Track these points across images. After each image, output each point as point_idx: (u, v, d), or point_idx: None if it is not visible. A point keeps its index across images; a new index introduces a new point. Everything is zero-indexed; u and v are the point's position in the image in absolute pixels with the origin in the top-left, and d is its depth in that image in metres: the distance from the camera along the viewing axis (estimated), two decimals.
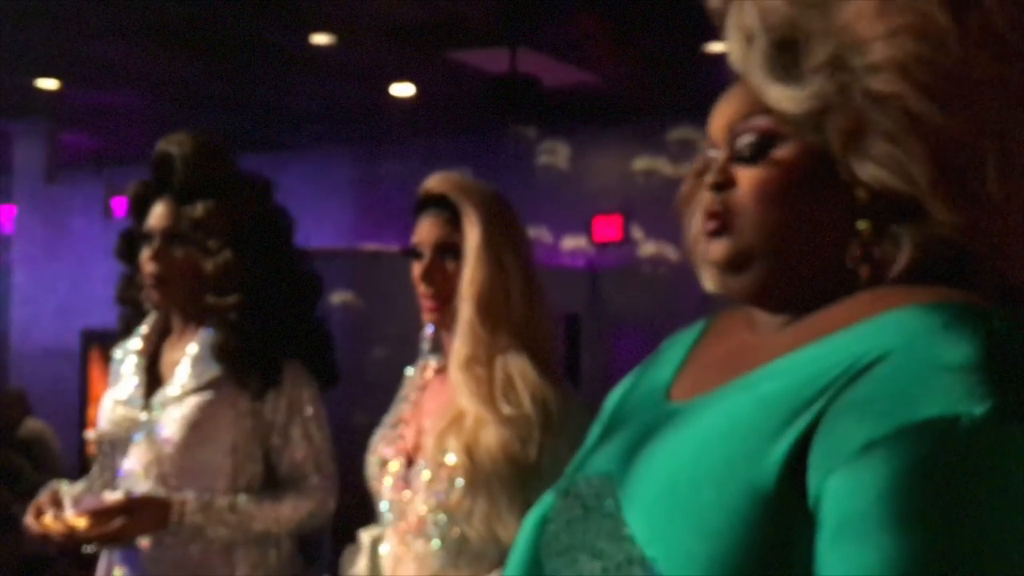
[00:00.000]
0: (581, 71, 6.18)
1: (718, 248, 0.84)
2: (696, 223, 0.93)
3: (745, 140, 0.82)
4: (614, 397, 1.00)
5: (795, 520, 0.68)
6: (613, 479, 0.81)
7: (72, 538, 1.76)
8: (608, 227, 7.29)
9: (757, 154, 0.81)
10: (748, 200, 0.82)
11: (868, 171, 0.75)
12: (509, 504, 1.50)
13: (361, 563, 1.63)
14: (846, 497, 0.65)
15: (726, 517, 0.70)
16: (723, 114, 0.86)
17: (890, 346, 0.70)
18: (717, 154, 0.86)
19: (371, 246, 5.74)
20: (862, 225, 0.77)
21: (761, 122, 0.81)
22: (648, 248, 7.13)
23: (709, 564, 0.70)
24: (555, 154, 7.64)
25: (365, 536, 1.63)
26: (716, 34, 0.86)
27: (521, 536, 1.01)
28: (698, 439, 0.77)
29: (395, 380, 1.86)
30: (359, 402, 4.24)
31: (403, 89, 6.77)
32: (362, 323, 5.06)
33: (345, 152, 8.48)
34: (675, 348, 0.96)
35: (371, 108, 7.27)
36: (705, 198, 0.86)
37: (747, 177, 0.82)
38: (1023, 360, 0.68)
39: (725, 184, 0.83)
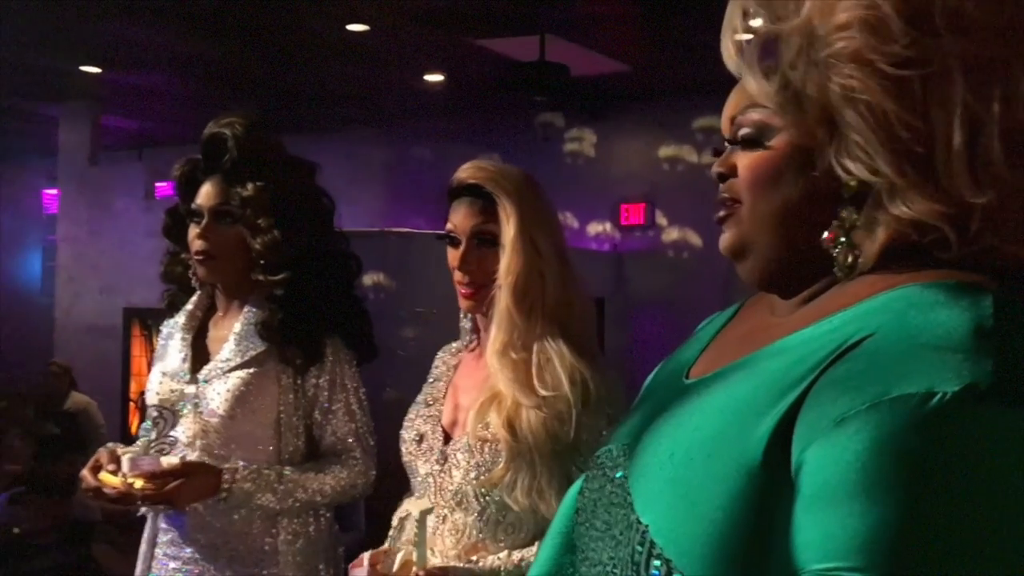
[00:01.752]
0: (608, 59, 6.21)
1: (724, 237, 0.86)
2: None
3: (743, 131, 0.84)
4: (649, 377, 1.03)
5: (780, 493, 0.69)
6: (626, 451, 0.86)
7: (128, 496, 1.79)
8: (633, 212, 7.34)
9: (752, 143, 0.83)
10: (743, 186, 0.83)
11: (843, 162, 0.76)
12: (549, 479, 1.52)
13: (408, 534, 1.63)
14: (820, 467, 0.66)
15: (714, 488, 0.72)
16: (727, 108, 0.87)
17: (880, 324, 0.71)
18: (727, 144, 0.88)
19: (401, 228, 5.84)
20: (845, 213, 0.78)
21: (755, 115, 0.82)
22: (672, 233, 7.17)
23: (695, 531, 0.72)
24: (582, 141, 7.68)
25: (413, 508, 1.63)
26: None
27: (563, 503, 1.07)
28: (697, 413, 0.79)
29: (424, 357, 1.87)
30: (389, 379, 4.36)
31: (434, 75, 6.86)
32: (392, 303, 5.16)
33: (377, 135, 8.58)
34: (707, 329, 0.98)
35: (402, 93, 7.36)
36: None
37: (742, 163, 0.84)
38: (1013, 340, 0.67)
39: (728, 173, 0.85)
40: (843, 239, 0.78)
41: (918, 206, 0.73)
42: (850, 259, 0.78)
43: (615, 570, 0.80)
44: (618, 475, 0.85)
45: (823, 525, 0.65)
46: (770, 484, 0.70)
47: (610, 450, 0.90)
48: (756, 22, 0.81)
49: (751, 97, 0.83)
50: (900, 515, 0.62)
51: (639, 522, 0.77)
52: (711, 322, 1.00)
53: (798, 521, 0.67)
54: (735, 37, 0.82)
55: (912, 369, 0.65)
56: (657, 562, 0.74)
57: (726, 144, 0.89)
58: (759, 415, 0.72)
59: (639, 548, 0.76)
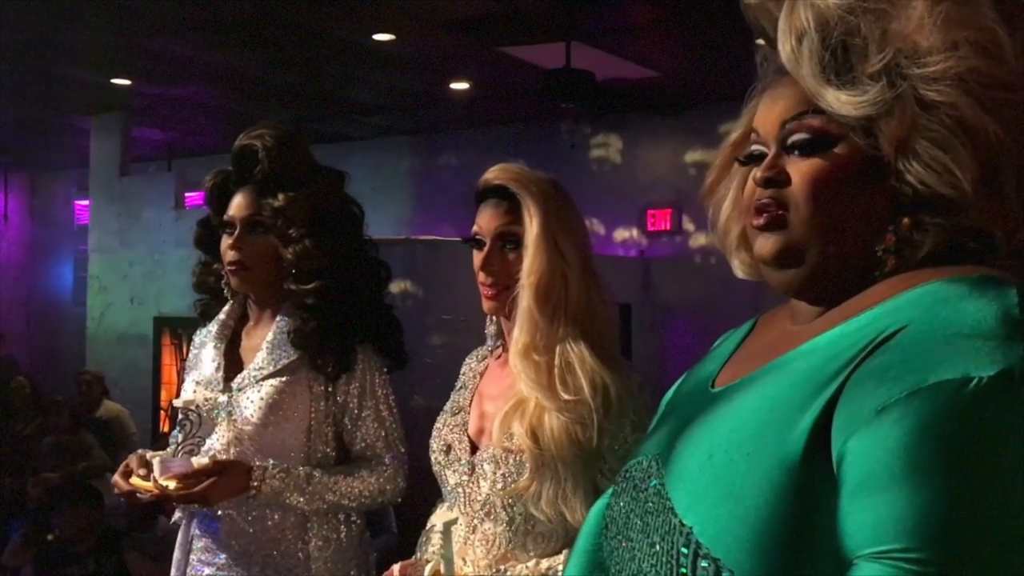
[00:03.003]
0: (634, 65, 6.21)
1: (768, 243, 0.85)
2: (726, 210, 0.97)
3: (798, 137, 0.83)
4: (667, 394, 1.04)
5: (821, 486, 0.71)
6: (659, 461, 0.87)
7: (161, 497, 1.83)
8: (660, 218, 7.33)
9: (811, 149, 0.83)
10: (802, 194, 0.83)
11: (914, 173, 0.78)
12: (574, 486, 1.52)
13: (434, 545, 1.64)
14: (863, 456, 0.68)
15: (756, 484, 0.74)
16: (773, 110, 0.86)
17: (910, 318, 0.73)
18: (763, 149, 0.87)
19: (428, 236, 5.86)
20: (905, 221, 0.80)
21: (814, 121, 0.82)
22: (699, 239, 7.14)
23: (740, 528, 0.74)
24: (608, 147, 7.69)
25: (438, 520, 1.65)
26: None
27: (587, 522, 1.08)
28: (732, 416, 0.81)
29: (452, 365, 1.87)
30: (417, 386, 4.38)
31: (460, 83, 6.88)
32: (420, 310, 5.18)
33: (404, 143, 8.62)
34: (725, 344, 1.00)
35: (429, 101, 7.39)
36: (752, 192, 0.87)
37: (801, 170, 0.83)
38: None
39: (777, 179, 0.84)
40: (889, 244, 0.80)
41: (984, 216, 0.77)
42: (894, 263, 0.80)
43: None
44: (652, 484, 0.86)
45: (871, 511, 0.67)
46: (812, 477, 0.72)
47: (639, 462, 0.91)
48: (826, 26, 0.80)
49: (805, 101, 0.83)
50: (946, 497, 0.65)
51: (682, 525, 0.78)
52: (728, 338, 1.02)
53: (844, 510, 0.69)
54: (797, 37, 0.81)
55: (947, 357, 0.68)
56: (704, 562, 0.75)
57: (756, 147, 0.88)
58: (796, 412, 0.74)
59: (684, 551, 0.77)
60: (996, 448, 0.65)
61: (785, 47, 0.82)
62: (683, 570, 0.77)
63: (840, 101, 0.79)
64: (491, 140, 7.95)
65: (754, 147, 0.88)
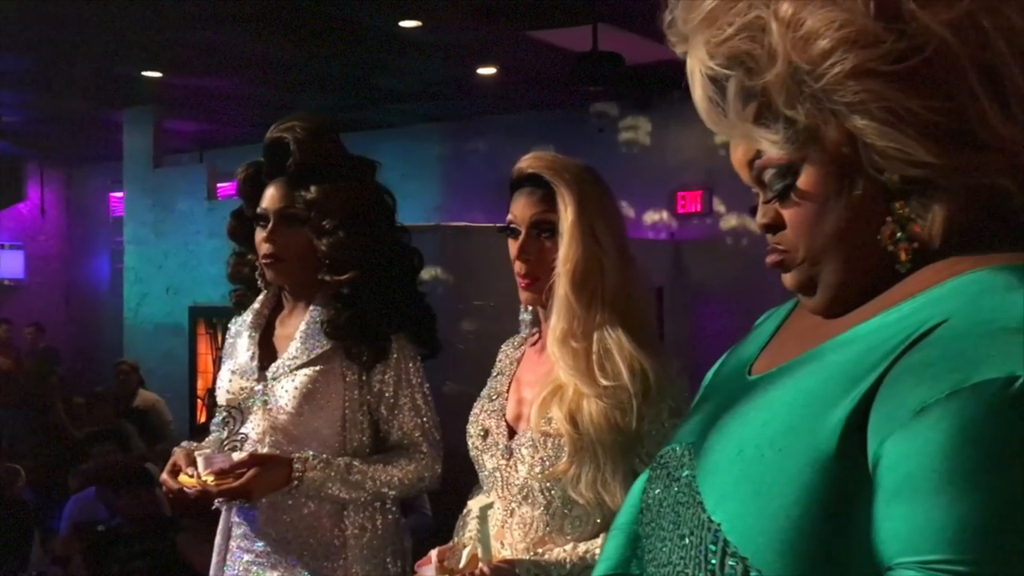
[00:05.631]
0: (663, 46, 6.15)
1: (786, 279, 0.85)
2: None
3: (769, 176, 0.82)
4: (709, 374, 1.02)
5: (855, 484, 0.68)
6: (691, 450, 0.86)
7: (205, 494, 1.83)
8: (690, 200, 7.27)
9: (786, 189, 0.81)
10: (795, 237, 0.82)
11: (882, 167, 0.75)
12: (613, 471, 1.53)
13: (471, 529, 1.64)
14: (901, 459, 0.65)
15: (787, 482, 0.71)
16: (737, 154, 0.86)
17: (953, 310, 0.70)
18: (758, 191, 0.86)
19: (457, 223, 5.87)
20: (898, 207, 0.76)
21: (774, 155, 0.80)
22: (731, 220, 7.10)
23: (769, 527, 0.71)
24: (637, 129, 7.64)
25: (474, 505, 1.65)
26: None
27: (629, 497, 1.08)
28: (765, 408, 0.79)
29: (482, 351, 1.87)
30: (448, 373, 4.40)
31: (487, 68, 6.87)
32: (450, 297, 5.19)
33: (432, 130, 8.62)
34: (767, 324, 0.98)
35: (458, 87, 7.39)
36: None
37: (788, 216, 0.82)
38: None
39: (773, 224, 0.84)
40: (900, 233, 0.77)
41: (972, 174, 0.73)
42: (910, 252, 0.77)
43: (686, 570, 0.79)
44: (684, 474, 0.84)
45: (909, 518, 0.64)
46: (845, 476, 0.69)
47: (673, 449, 0.90)
48: (730, 84, 0.80)
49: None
50: (988, 504, 0.62)
51: (711, 521, 0.76)
52: (770, 317, 0.99)
53: (880, 514, 0.66)
54: (709, 101, 0.81)
55: (991, 354, 0.64)
56: (732, 561, 0.73)
57: (754, 189, 0.87)
58: (830, 407, 0.72)
59: (712, 547, 0.76)
60: None
61: (702, 110, 0.82)
62: (711, 566, 0.75)
63: (772, 143, 0.79)
64: (520, 125, 7.94)
65: (754, 190, 0.88)
